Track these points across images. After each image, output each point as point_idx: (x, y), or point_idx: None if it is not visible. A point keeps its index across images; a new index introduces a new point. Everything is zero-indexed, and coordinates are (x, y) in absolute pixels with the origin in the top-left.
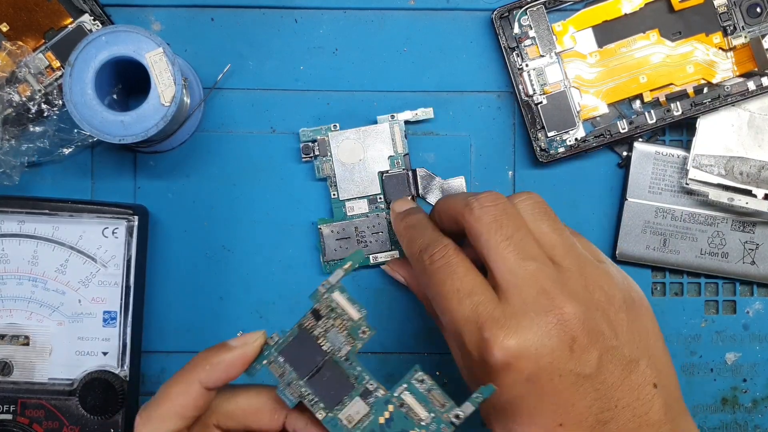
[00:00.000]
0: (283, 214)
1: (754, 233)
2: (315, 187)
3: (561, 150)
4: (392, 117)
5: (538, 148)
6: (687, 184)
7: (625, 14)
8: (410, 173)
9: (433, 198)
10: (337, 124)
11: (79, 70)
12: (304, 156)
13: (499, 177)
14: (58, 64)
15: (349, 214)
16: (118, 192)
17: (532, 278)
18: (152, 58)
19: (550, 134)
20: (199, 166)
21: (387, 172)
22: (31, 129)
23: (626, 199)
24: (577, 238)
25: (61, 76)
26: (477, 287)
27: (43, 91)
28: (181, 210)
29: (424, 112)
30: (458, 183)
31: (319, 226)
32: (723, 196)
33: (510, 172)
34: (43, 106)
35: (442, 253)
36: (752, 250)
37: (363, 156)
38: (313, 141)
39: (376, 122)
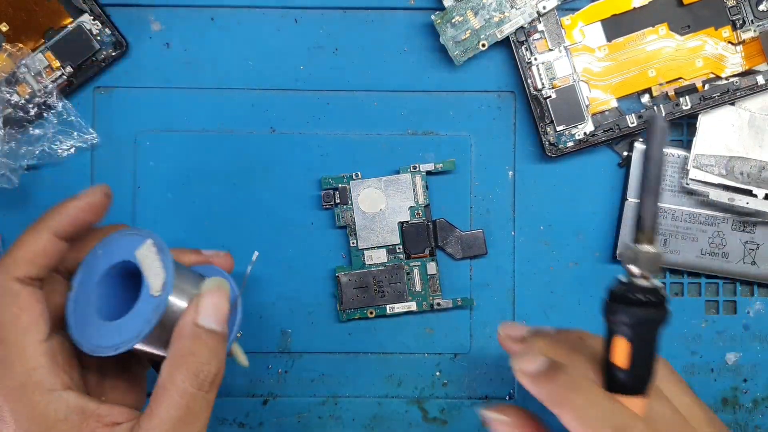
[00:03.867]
0: (282, 214)
1: (754, 233)
2: (311, 185)
3: (570, 144)
4: (414, 168)
5: (547, 143)
6: (687, 184)
7: (635, 8)
8: (430, 224)
9: (452, 249)
10: (359, 173)
11: (80, 294)
12: (324, 204)
13: (499, 177)
14: (58, 64)
15: (367, 263)
16: (117, 193)
17: None
18: (142, 253)
19: (558, 128)
20: (199, 166)
21: (407, 222)
22: (31, 132)
23: (627, 199)
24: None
25: (60, 76)
26: None
27: (42, 91)
28: (181, 210)
29: (449, 163)
30: (477, 235)
31: (337, 275)
32: (723, 196)
33: (510, 172)
34: (42, 108)
35: None
36: (753, 250)
37: (384, 206)
38: (335, 189)
39: (398, 171)
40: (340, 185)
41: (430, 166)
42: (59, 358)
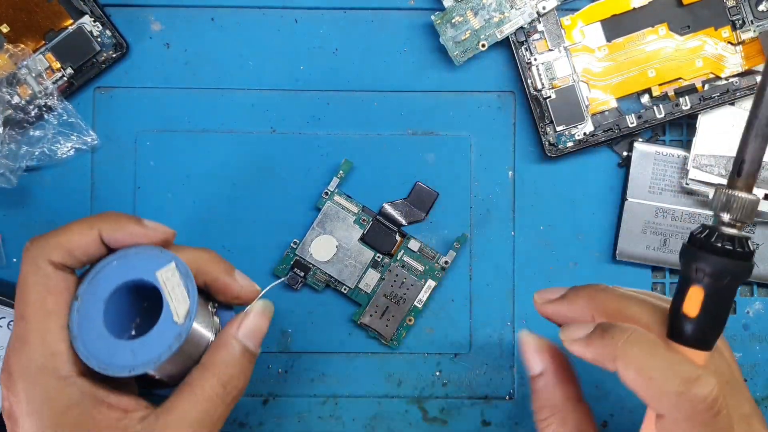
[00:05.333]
0: (282, 214)
1: (753, 233)
2: (311, 184)
3: (570, 144)
4: (326, 194)
5: (546, 143)
6: (687, 184)
7: (634, 8)
8: (379, 218)
9: (402, 217)
10: (297, 240)
11: (87, 305)
12: (295, 286)
13: (499, 177)
14: (58, 66)
15: (368, 291)
16: (117, 193)
17: None
18: (164, 275)
19: (558, 129)
20: (199, 166)
21: (363, 233)
22: (31, 133)
23: (626, 199)
24: None
25: (60, 78)
26: None
27: (43, 93)
28: (181, 210)
29: (346, 165)
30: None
31: (359, 321)
32: None
33: (510, 172)
34: (43, 109)
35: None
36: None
37: (336, 242)
38: (292, 268)
39: (318, 208)
40: (292, 261)
41: (334, 184)
42: None
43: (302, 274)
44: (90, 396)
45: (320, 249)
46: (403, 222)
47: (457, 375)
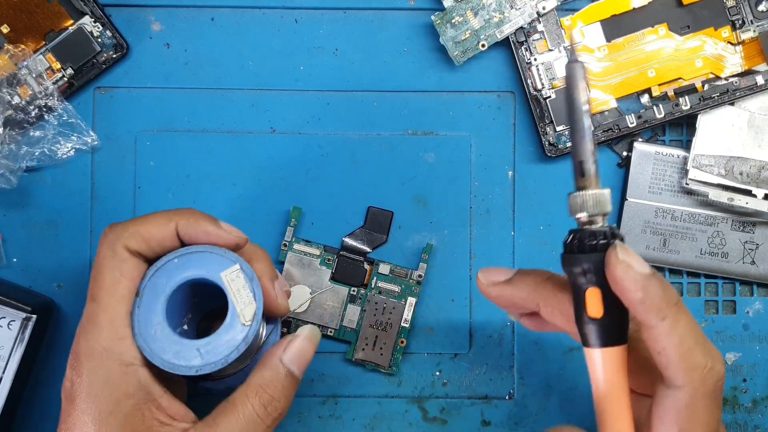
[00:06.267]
0: (282, 214)
1: (753, 233)
2: (311, 185)
3: (569, 144)
4: (285, 245)
5: (546, 143)
6: (687, 184)
7: (634, 8)
8: (342, 252)
9: (365, 246)
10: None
11: (148, 301)
12: None
13: (499, 177)
14: (59, 66)
15: (354, 327)
16: (117, 193)
17: None
18: (229, 277)
19: (558, 129)
20: (199, 166)
21: (332, 272)
22: (31, 133)
23: (626, 199)
24: None
25: (61, 78)
26: None
27: (43, 93)
28: None
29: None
30: (378, 218)
31: (354, 359)
32: (723, 196)
33: (510, 172)
34: (43, 110)
35: None
36: (752, 250)
37: (309, 289)
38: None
39: (282, 263)
40: None
41: (289, 234)
42: None
43: (285, 330)
44: (145, 390)
45: (296, 301)
46: (368, 249)
47: (457, 375)
